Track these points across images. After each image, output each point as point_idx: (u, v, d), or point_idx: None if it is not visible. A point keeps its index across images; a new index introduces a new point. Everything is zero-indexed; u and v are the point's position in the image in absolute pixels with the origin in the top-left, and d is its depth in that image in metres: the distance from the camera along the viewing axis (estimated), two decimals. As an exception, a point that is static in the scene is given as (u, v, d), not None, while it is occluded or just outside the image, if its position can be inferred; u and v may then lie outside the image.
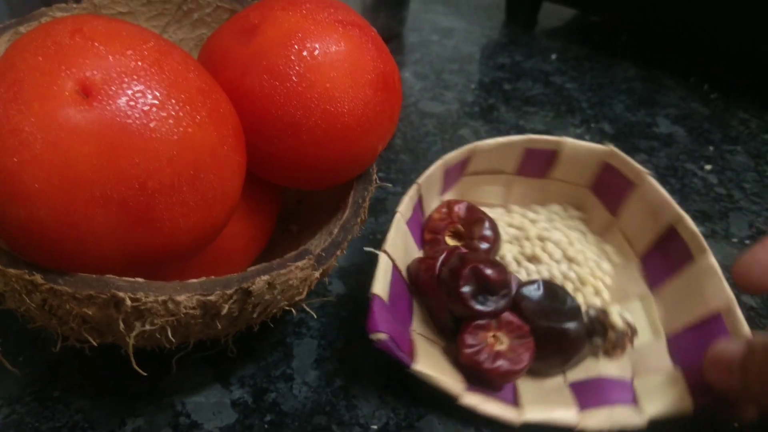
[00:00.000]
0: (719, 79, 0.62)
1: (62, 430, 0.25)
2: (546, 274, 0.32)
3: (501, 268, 0.28)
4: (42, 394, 0.27)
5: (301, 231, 0.32)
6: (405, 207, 0.32)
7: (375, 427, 0.26)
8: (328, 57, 0.24)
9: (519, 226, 0.35)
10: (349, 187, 0.29)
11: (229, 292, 0.21)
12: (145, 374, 0.22)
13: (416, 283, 0.31)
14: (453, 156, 0.35)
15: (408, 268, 0.31)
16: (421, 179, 0.33)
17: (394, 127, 0.28)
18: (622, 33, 0.73)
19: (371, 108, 0.25)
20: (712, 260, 0.29)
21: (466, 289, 0.27)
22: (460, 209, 0.33)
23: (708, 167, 0.47)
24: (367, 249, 0.27)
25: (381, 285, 0.28)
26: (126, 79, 0.19)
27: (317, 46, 0.23)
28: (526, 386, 0.28)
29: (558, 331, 0.27)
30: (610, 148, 0.35)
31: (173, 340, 0.22)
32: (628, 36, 0.72)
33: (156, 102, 0.19)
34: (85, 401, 0.27)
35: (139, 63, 0.19)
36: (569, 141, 0.35)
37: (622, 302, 0.32)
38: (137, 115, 0.19)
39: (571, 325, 0.27)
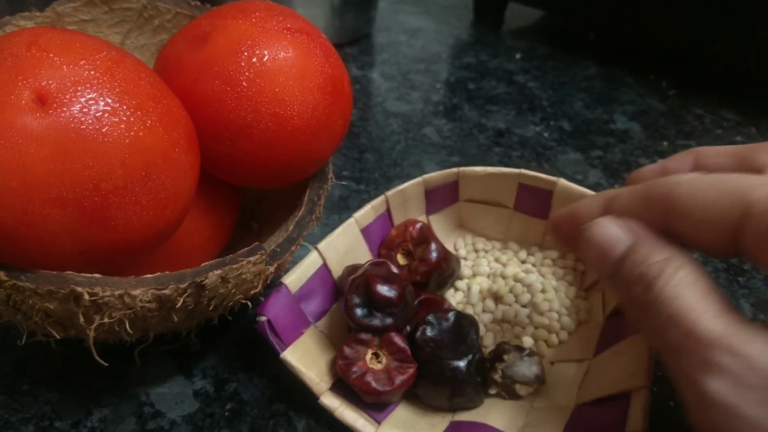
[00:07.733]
0: (678, 76, 0.64)
1: (31, 421, 0.27)
2: (499, 315, 0.32)
3: (397, 289, 0.27)
4: (11, 388, 0.28)
5: (261, 228, 0.34)
6: (363, 214, 0.33)
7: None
8: (277, 63, 0.25)
9: (504, 262, 0.35)
10: (307, 185, 0.30)
11: (182, 286, 0.22)
12: (107, 365, 0.24)
13: (341, 287, 0.31)
14: (434, 177, 0.35)
15: (342, 272, 0.31)
16: (390, 192, 0.34)
17: (346, 128, 0.29)
18: (588, 32, 0.75)
19: (320, 110, 0.26)
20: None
21: (354, 298, 0.27)
22: (414, 229, 0.33)
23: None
24: (303, 243, 0.28)
25: (295, 276, 0.29)
26: (79, 88, 0.20)
27: (266, 52, 0.25)
28: (405, 410, 0.28)
29: (440, 364, 0.27)
30: None
31: (131, 332, 0.23)
32: (596, 34, 0.74)
33: (108, 108, 0.20)
34: (52, 393, 0.28)
35: (92, 72, 0.21)
36: (562, 182, 0.34)
37: (561, 361, 0.30)
38: (90, 121, 0.20)
39: (457, 363, 0.27)
